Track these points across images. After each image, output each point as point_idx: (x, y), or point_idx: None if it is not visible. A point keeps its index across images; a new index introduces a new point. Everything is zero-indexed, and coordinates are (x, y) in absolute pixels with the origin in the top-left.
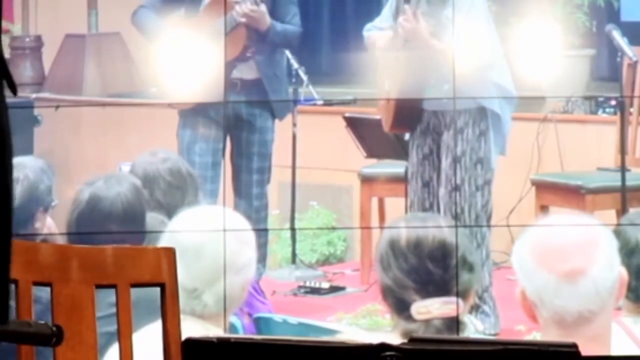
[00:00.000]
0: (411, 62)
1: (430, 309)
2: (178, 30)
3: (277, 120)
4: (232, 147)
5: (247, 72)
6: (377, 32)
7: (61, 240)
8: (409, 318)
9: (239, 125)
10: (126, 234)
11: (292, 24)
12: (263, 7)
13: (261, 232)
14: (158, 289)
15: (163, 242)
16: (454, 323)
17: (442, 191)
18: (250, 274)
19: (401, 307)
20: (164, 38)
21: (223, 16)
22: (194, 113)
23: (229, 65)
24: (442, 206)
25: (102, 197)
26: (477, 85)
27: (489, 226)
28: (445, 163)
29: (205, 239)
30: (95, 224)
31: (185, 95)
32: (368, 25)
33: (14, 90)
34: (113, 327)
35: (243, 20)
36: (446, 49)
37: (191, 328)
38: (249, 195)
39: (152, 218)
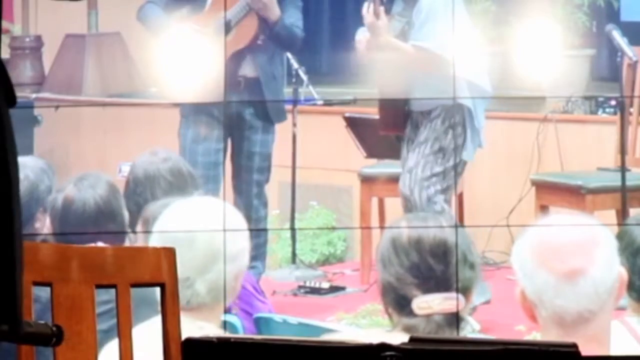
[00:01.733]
0: (391, 63)
1: (431, 304)
2: (179, 29)
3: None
4: (233, 146)
5: (250, 69)
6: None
7: (55, 241)
8: (410, 313)
9: (241, 124)
10: (121, 233)
11: (293, 26)
12: None
13: (261, 232)
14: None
15: (156, 231)
16: (455, 319)
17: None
18: (244, 263)
19: (402, 303)
20: (165, 37)
21: (230, 8)
22: (196, 112)
23: (238, 55)
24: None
25: (75, 199)
26: (449, 82)
27: (489, 226)
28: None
29: (197, 229)
30: (74, 227)
31: (186, 96)
32: (361, 29)
33: (13, 101)
34: (106, 325)
35: (256, 6)
36: (409, 49)
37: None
38: (249, 195)
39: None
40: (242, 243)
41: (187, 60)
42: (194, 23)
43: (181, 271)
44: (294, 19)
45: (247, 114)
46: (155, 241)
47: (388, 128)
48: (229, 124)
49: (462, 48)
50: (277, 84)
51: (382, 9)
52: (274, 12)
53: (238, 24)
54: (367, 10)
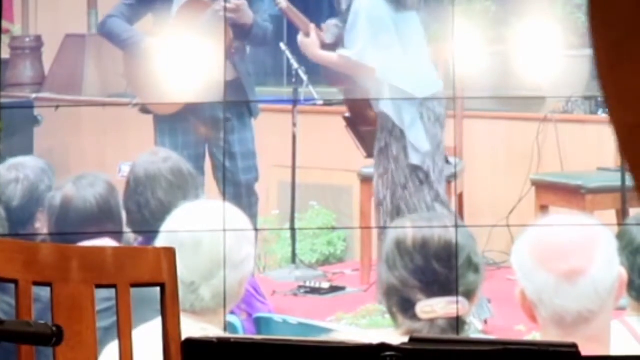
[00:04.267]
0: None
1: (435, 309)
2: (174, 30)
3: (275, 120)
4: (211, 150)
5: (226, 73)
6: None
7: (53, 241)
8: (414, 317)
9: (217, 126)
10: (123, 233)
11: (264, 20)
12: (245, 1)
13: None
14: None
15: (162, 236)
16: (459, 323)
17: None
18: (249, 269)
19: (406, 306)
20: (164, 38)
21: (200, 16)
22: (170, 121)
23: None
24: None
25: (74, 198)
26: (370, 86)
27: (489, 226)
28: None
29: (203, 234)
30: (72, 226)
31: (184, 96)
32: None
33: None
34: (107, 322)
35: (230, 15)
36: (335, 59)
37: (186, 330)
38: (239, 195)
39: None
40: (247, 249)
41: (186, 61)
42: (164, 30)
43: (186, 276)
44: (261, 13)
45: (221, 116)
46: (160, 245)
47: (358, 125)
48: (204, 128)
49: (385, 54)
50: (251, 80)
51: (312, 26)
52: (249, 17)
53: (209, 33)
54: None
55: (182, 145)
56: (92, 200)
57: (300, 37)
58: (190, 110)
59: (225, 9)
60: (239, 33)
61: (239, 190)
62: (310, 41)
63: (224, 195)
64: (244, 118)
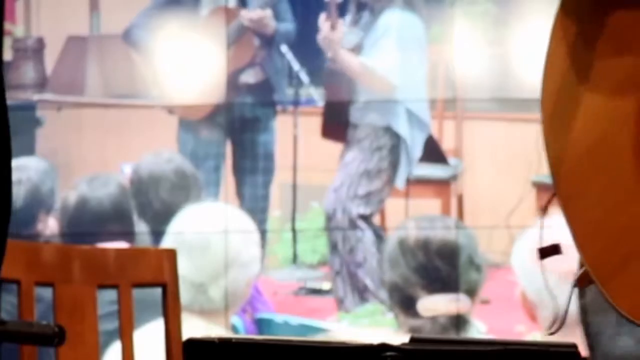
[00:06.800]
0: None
1: (437, 306)
2: (181, 33)
3: (277, 121)
4: (236, 149)
5: (252, 76)
6: None
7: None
8: (416, 315)
9: (243, 126)
10: (127, 234)
11: (287, 20)
12: (269, 12)
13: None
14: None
15: (169, 238)
16: (460, 320)
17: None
18: (255, 270)
19: (408, 304)
20: (167, 41)
21: (225, 25)
22: (195, 116)
23: (239, 72)
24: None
25: (88, 199)
26: (385, 107)
27: (489, 227)
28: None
29: (211, 235)
30: (85, 226)
31: (187, 97)
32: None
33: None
34: (112, 326)
35: (251, 26)
36: (356, 65)
37: (195, 332)
38: (255, 197)
39: None
40: (253, 251)
41: (189, 62)
42: (194, 29)
43: (196, 276)
44: (283, 12)
45: (249, 116)
46: (167, 246)
47: (330, 135)
48: (230, 127)
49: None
50: (279, 75)
51: (340, 21)
52: (270, 27)
53: (235, 43)
54: (323, 21)
55: (204, 142)
56: (105, 201)
57: (325, 32)
58: (212, 110)
59: (228, 15)
60: (264, 41)
61: (256, 192)
62: (337, 37)
63: (225, 196)
64: (271, 121)
